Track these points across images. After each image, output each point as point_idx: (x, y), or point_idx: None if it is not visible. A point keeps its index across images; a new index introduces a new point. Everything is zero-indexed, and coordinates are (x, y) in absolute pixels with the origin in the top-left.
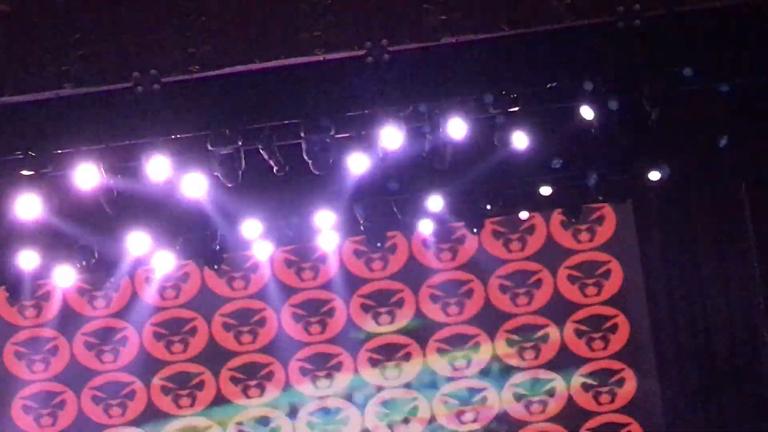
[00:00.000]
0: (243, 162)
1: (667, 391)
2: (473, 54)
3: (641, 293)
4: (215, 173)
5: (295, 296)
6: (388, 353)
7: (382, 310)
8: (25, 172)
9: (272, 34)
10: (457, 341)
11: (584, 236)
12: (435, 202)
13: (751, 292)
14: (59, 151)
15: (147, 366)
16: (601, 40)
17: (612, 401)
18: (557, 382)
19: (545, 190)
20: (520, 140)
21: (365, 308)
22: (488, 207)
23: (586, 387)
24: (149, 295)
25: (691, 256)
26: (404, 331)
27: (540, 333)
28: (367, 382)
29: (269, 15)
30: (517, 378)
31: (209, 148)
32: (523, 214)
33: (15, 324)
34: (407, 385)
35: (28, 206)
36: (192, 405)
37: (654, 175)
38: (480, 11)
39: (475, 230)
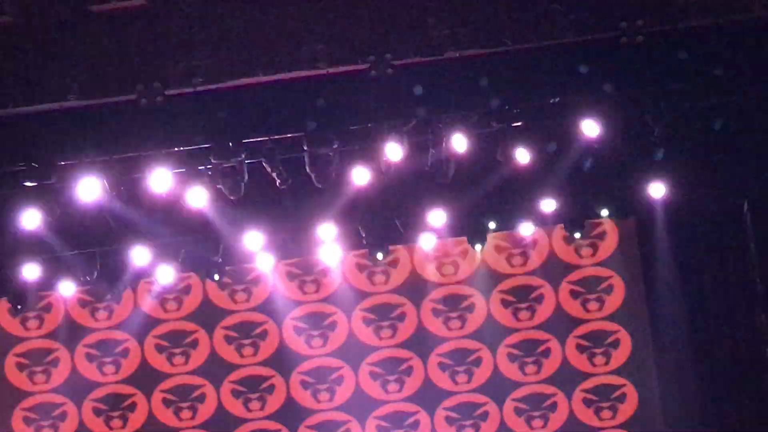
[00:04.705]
0: (246, 175)
1: (669, 407)
2: (477, 68)
3: (643, 308)
4: (218, 186)
5: (297, 309)
6: (389, 367)
7: (384, 323)
8: (28, 183)
9: (276, 47)
10: (459, 356)
11: (586, 251)
12: (437, 217)
13: (753, 308)
14: (63, 163)
15: (148, 378)
16: (604, 55)
17: (614, 417)
18: (558, 397)
19: (548, 205)
20: (522, 155)
21: (367, 322)
22: (490, 221)
23: (587, 402)
24: (151, 307)
25: (693, 271)
26: (406, 345)
27: (542, 348)
28: (368, 395)
29: (273, 28)
30: (519, 393)
31: (212, 160)
32: (526, 229)
33: (17, 335)
34: (408, 399)
35: (31, 217)
36: (193, 417)
37: (656, 191)
38: (484, 26)
39: (477, 245)
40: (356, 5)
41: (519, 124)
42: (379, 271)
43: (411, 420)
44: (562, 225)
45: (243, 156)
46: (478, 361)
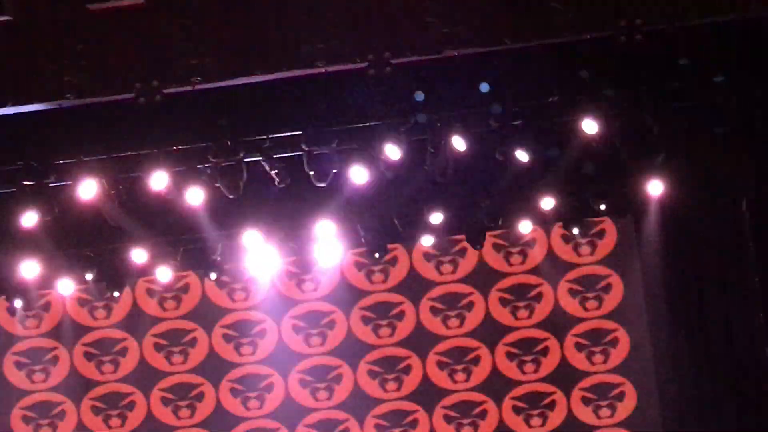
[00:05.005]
0: (244, 173)
1: (667, 406)
2: (475, 67)
3: (642, 307)
4: (216, 184)
5: (296, 308)
6: (388, 366)
7: (383, 322)
8: (26, 183)
9: (274, 46)
10: (457, 354)
11: (585, 250)
12: (436, 215)
13: (751, 306)
14: (61, 162)
15: (147, 377)
16: (602, 54)
17: (612, 415)
18: (557, 395)
19: (546, 204)
20: (521, 154)
21: (366, 320)
22: (489, 220)
23: (586, 401)
24: (150, 305)
25: (691, 269)
26: (404, 344)
27: (540, 346)
28: (366, 394)
29: (271, 27)
30: (517, 391)
31: (211, 159)
32: (525, 228)
33: (15, 334)
34: (407, 398)
35: (29, 216)
36: (191, 416)
37: (655, 190)
38: (482, 25)
39: (476, 243)
40: (355, 4)
41: (518, 123)
42: (378, 269)
43: (409, 419)
44: (560, 223)
45: (242, 155)
46: (476, 360)
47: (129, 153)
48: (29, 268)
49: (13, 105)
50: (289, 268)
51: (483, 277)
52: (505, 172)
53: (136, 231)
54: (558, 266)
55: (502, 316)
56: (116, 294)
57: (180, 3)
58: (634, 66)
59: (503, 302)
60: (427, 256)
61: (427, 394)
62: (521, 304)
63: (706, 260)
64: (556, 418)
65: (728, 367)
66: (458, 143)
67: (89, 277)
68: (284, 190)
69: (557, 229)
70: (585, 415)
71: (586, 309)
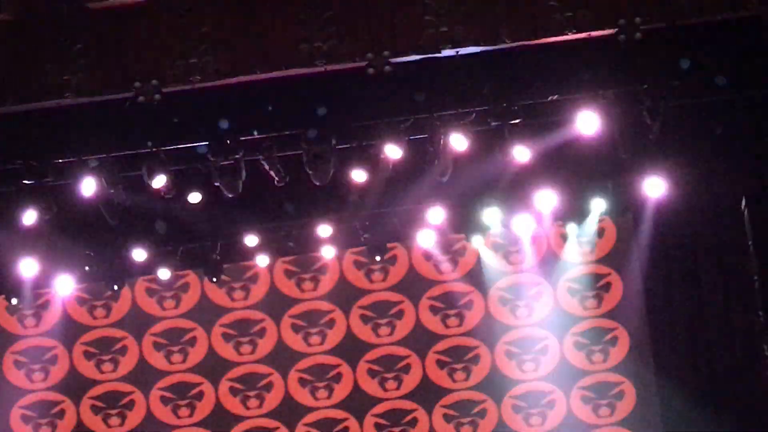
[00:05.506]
0: (244, 173)
1: (667, 404)
2: (474, 66)
3: (641, 306)
4: (216, 183)
5: (295, 307)
6: (387, 365)
7: (382, 321)
8: (26, 182)
9: (274, 44)
10: (457, 353)
11: (584, 249)
12: (435, 214)
13: (750, 306)
14: (60, 161)
15: (146, 376)
16: (602, 52)
17: (611, 414)
18: (556, 394)
19: (545, 203)
20: (520, 153)
21: (365, 319)
22: (489, 219)
23: (585, 400)
24: (149, 304)
25: (690, 268)
26: (403, 343)
27: (540, 345)
28: (366, 393)
29: (270, 26)
30: (516, 390)
31: (210, 158)
32: (524, 227)
33: (14, 333)
34: (406, 397)
35: (29, 215)
36: (191, 415)
37: (654, 189)
38: (481, 23)
39: (475, 242)
40: (354, 3)
41: (517, 121)
42: (377, 268)
43: (409, 417)
44: (560, 222)
45: (241, 154)
46: (475, 359)
47: (128, 152)
48: (29, 267)
49: (13, 104)
50: (289, 266)
51: (482, 276)
52: (504, 171)
53: (135, 230)
54: (557, 265)
55: (502, 315)
56: (116, 292)
57: (180, 3)
58: (634, 65)
59: (503, 301)
60: (426, 255)
61: (427, 393)
62: (521, 302)
63: (706, 260)
64: (556, 417)
65: (728, 365)
66: (458, 143)
67: (88, 276)
68: (283, 190)
69: (556, 228)
70: (584, 414)
71: (585, 308)
